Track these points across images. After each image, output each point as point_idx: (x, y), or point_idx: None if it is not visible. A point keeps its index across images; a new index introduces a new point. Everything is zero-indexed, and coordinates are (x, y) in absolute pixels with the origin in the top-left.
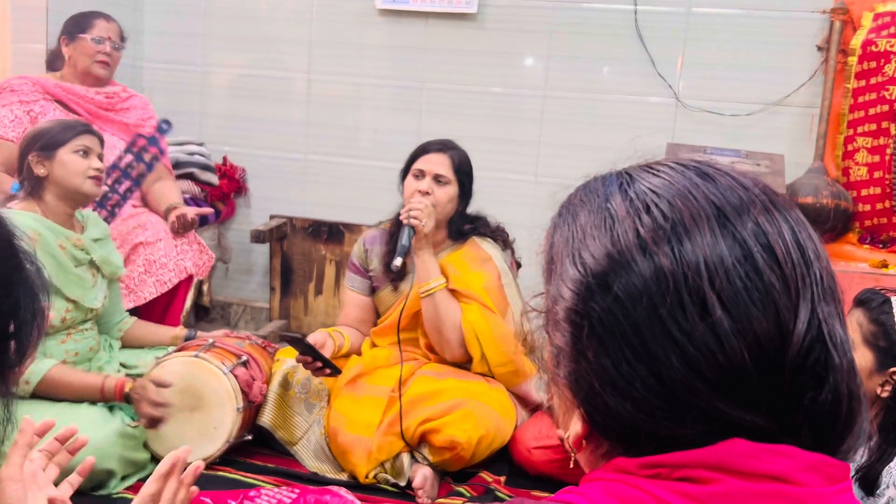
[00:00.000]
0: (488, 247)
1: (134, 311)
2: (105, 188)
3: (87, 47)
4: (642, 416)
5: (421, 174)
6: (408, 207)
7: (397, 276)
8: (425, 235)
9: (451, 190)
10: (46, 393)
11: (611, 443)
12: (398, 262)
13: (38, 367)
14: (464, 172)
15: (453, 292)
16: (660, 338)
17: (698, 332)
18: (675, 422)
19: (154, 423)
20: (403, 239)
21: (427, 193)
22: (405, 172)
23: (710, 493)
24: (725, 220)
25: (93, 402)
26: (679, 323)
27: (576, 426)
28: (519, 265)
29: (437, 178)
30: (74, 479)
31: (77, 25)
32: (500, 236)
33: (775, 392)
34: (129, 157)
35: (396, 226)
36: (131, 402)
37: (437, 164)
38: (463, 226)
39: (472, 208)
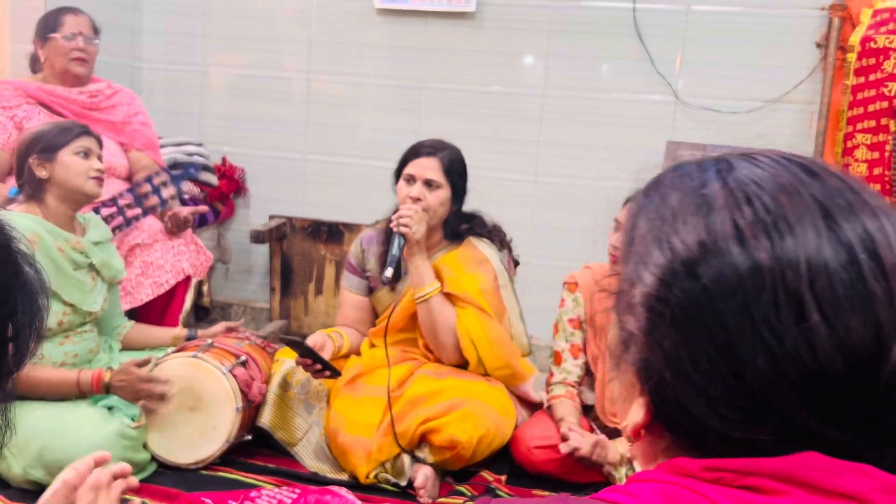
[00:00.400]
0: (484, 247)
1: (132, 313)
2: (114, 207)
3: (60, 46)
4: (715, 416)
5: (412, 179)
6: (397, 215)
7: (393, 278)
8: (416, 242)
9: (443, 193)
10: (22, 392)
11: (674, 438)
12: (389, 272)
13: None
14: (455, 173)
15: (449, 296)
16: (747, 336)
17: (790, 335)
18: (750, 425)
19: (153, 402)
20: (394, 248)
21: (418, 199)
22: (398, 174)
23: None
24: (832, 221)
25: (73, 397)
26: (770, 323)
27: (636, 415)
28: (517, 263)
29: (428, 183)
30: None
31: (46, 26)
32: (496, 236)
33: (863, 409)
34: (146, 187)
35: (389, 232)
36: (113, 391)
37: (428, 168)
38: (459, 226)
39: (470, 207)
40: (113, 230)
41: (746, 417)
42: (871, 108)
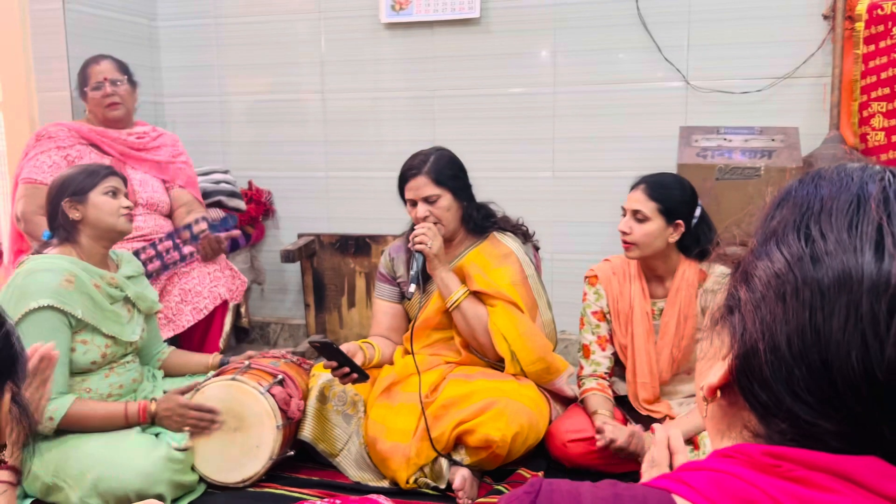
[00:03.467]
0: (508, 241)
1: (174, 340)
2: (152, 251)
3: (93, 98)
4: (791, 394)
5: (413, 202)
6: (413, 235)
7: (423, 283)
8: (435, 255)
9: (444, 201)
10: (72, 427)
11: (743, 405)
12: (412, 288)
13: (61, 404)
14: (447, 178)
15: (479, 294)
16: (850, 331)
17: (894, 343)
18: (821, 412)
19: (200, 429)
20: (414, 267)
21: (426, 217)
22: (403, 199)
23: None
24: None
25: (120, 429)
26: (877, 326)
27: (715, 374)
28: (536, 248)
29: (427, 200)
30: None
31: (80, 82)
32: (519, 230)
33: None
34: (186, 234)
35: (408, 251)
36: (159, 422)
37: (420, 187)
38: (479, 219)
39: (490, 200)
40: (150, 274)
41: (820, 404)
42: (883, 75)
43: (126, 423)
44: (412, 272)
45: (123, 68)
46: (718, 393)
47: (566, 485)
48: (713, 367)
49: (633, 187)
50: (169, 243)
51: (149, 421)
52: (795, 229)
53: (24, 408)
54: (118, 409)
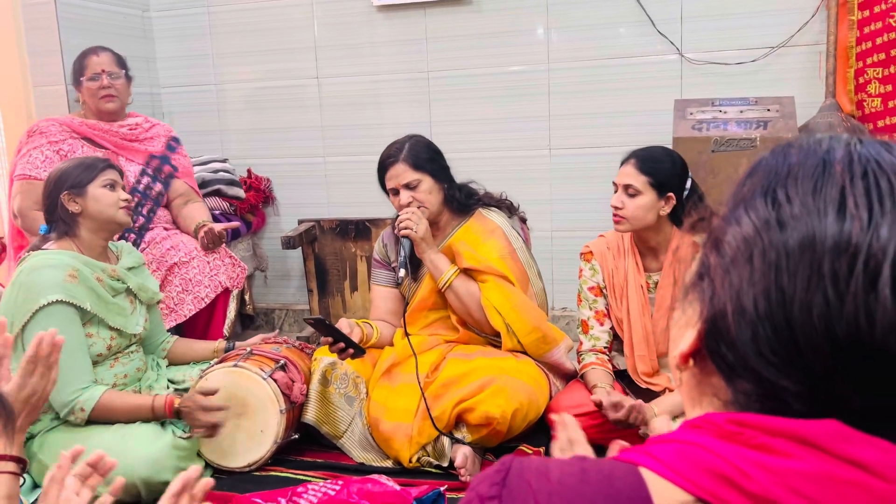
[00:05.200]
0: (494, 216)
1: (178, 329)
2: (138, 196)
3: (88, 89)
4: (757, 354)
5: (395, 191)
6: (398, 221)
7: (414, 269)
8: (422, 239)
9: (425, 185)
10: (101, 418)
11: (712, 370)
12: (402, 273)
13: (91, 395)
14: (425, 161)
15: (469, 271)
16: (812, 290)
17: (856, 300)
18: (783, 373)
19: (213, 429)
20: (402, 252)
21: (409, 203)
22: (384, 190)
23: (790, 469)
24: None
25: (145, 421)
26: (839, 284)
27: (686, 341)
28: (523, 220)
29: (408, 186)
30: (107, 500)
31: (75, 72)
32: (504, 204)
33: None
34: (146, 179)
35: (397, 237)
36: (182, 417)
37: (399, 175)
38: (462, 198)
39: (471, 179)
40: (139, 231)
41: (783, 363)
42: (879, 40)
43: (153, 417)
44: (400, 258)
45: (122, 62)
46: (691, 362)
47: (536, 461)
48: (682, 336)
49: (624, 162)
50: (146, 179)
51: (173, 416)
52: (763, 194)
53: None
54: (146, 402)
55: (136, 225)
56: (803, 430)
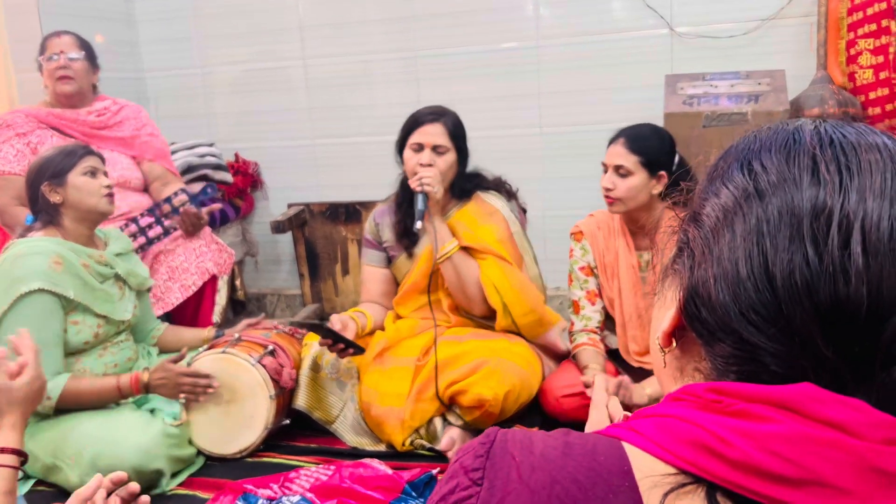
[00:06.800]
0: (493, 199)
1: (166, 317)
2: (135, 227)
3: (46, 70)
4: (739, 315)
5: (419, 147)
6: (419, 175)
7: (410, 243)
8: (437, 202)
9: (450, 157)
10: (69, 405)
11: (693, 342)
12: (419, 224)
13: (56, 382)
14: (460, 137)
15: (468, 250)
16: (794, 250)
17: (832, 257)
18: (763, 332)
19: (194, 394)
20: (419, 203)
21: (429, 165)
22: (401, 145)
23: (768, 433)
24: None
25: (116, 403)
26: (817, 243)
27: (667, 319)
28: (524, 211)
29: (436, 149)
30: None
31: (39, 54)
32: (502, 187)
33: (867, 347)
34: (167, 208)
35: (403, 194)
36: (155, 390)
37: (434, 134)
38: (465, 185)
39: (477, 166)
40: (137, 250)
41: (764, 322)
42: (869, 10)
43: (120, 396)
44: (417, 209)
45: (84, 45)
46: (674, 342)
47: (520, 434)
48: (664, 317)
49: (612, 141)
50: (150, 218)
51: (142, 392)
52: (739, 168)
53: None
54: (111, 382)
55: (137, 244)
56: (779, 395)
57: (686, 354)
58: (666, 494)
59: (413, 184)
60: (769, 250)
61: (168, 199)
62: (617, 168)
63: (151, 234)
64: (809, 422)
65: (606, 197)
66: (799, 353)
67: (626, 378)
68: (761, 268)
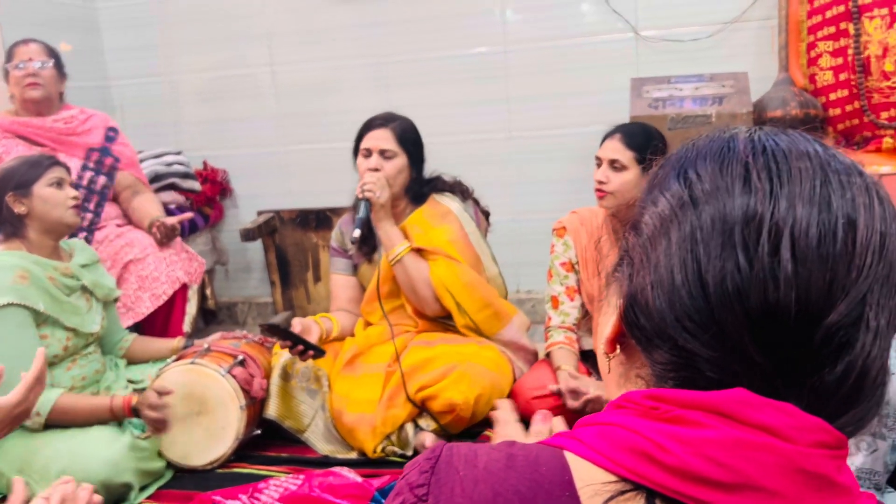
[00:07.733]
0: (447, 200)
1: (136, 328)
2: (84, 191)
3: (13, 77)
4: (675, 323)
5: (368, 152)
6: (361, 183)
7: (370, 250)
8: (382, 206)
9: (399, 161)
10: (58, 421)
11: (633, 348)
12: (356, 233)
13: (47, 398)
14: (409, 142)
15: (420, 251)
16: (724, 256)
17: (762, 263)
18: (698, 339)
19: (158, 427)
20: (360, 212)
21: (376, 169)
22: (356, 151)
23: (703, 439)
24: (828, 185)
25: (104, 422)
26: (748, 250)
27: (611, 325)
28: (487, 214)
29: (383, 153)
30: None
31: (5, 62)
32: (457, 189)
33: (797, 350)
34: (88, 174)
35: (357, 201)
36: (139, 415)
37: (381, 139)
38: (421, 189)
39: (437, 170)
40: (89, 227)
41: (698, 328)
42: (828, 13)
43: (112, 417)
44: (358, 217)
45: (52, 53)
46: (618, 348)
47: (465, 447)
48: (609, 321)
49: (608, 136)
50: (89, 173)
51: (133, 415)
52: (676, 176)
53: None
54: (104, 403)
55: (86, 222)
56: (712, 400)
57: (629, 360)
58: (606, 502)
59: (357, 191)
60: (702, 257)
61: (84, 165)
62: (612, 162)
63: (92, 205)
64: (742, 426)
65: (598, 191)
66: (732, 359)
67: (596, 395)
68: (695, 275)
